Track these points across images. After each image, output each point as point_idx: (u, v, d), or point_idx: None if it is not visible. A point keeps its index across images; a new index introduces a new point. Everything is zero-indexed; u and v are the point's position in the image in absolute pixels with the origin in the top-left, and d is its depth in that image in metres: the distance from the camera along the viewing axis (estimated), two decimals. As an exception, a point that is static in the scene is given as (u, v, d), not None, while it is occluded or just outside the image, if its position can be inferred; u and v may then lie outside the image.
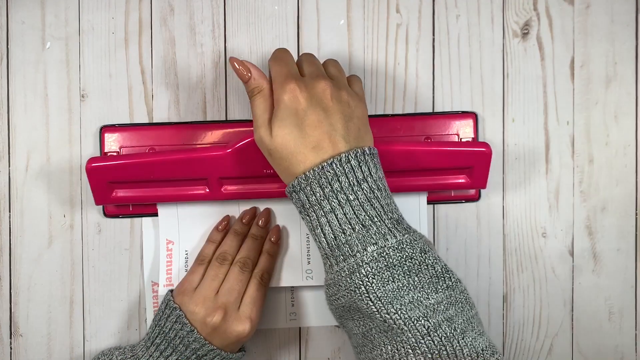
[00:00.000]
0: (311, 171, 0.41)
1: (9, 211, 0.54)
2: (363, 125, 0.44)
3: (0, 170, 0.54)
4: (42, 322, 0.55)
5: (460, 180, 0.52)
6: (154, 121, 0.54)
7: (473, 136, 0.55)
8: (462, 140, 0.55)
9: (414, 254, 0.40)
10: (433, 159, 0.50)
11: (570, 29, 0.56)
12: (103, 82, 0.54)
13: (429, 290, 0.39)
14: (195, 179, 0.50)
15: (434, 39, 0.55)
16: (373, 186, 0.41)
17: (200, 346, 0.48)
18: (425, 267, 0.40)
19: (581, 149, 0.56)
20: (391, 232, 0.40)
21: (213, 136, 0.54)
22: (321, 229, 0.41)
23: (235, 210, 0.54)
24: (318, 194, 0.41)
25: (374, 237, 0.40)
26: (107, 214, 0.54)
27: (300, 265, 0.54)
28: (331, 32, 0.55)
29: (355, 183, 0.41)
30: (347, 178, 0.40)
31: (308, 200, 0.41)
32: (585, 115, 0.56)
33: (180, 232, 0.54)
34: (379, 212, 0.41)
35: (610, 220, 0.56)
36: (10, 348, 0.54)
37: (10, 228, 0.54)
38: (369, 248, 0.39)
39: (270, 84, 0.44)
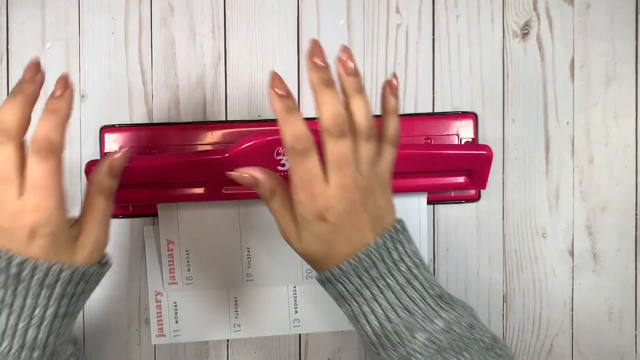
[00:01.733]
0: (346, 263, 0.39)
1: (9, 211, 0.54)
2: (382, 197, 0.40)
3: (1, 171, 0.54)
4: (42, 322, 0.54)
5: (459, 181, 0.52)
6: (154, 121, 0.54)
7: (473, 136, 0.55)
8: (462, 140, 0.55)
9: (462, 333, 0.38)
10: (434, 162, 0.50)
11: (570, 29, 0.56)
12: (103, 82, 0.54)
13: None
14: (194, 181, 0.51)
15: (434, 39, 0.55)
16: (410, 264, 0.39)
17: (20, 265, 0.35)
18: (475, 341, 0.38)
19: (581, 149, 0.56)
20: (437, 312, 0.38)
21: (213, 137, 0.54)
22: (365, 318, 0.39)
23: (235, 210, 0.54)
24: (356, 284, 0.39)
25: (421, 322, 0.38)
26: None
27: (300, 265, 0.54)
28: (331, 32, 0.55)
29: (393, 266, 0.39)
30: (385, 263, 0.39)
31: (346, 289, 0.39)
32: (585, 115, 0.56)
33: (180, 232, 0.54)
34: (420, 293, 0.39)
35: (610, 220, 0.56)
36: (11, 348, 0.54)
37: (10, 228, 0.54)
38: (417, 335, 0.38)
39: (281, 184, 0.41)
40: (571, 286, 0.57)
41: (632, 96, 0.56)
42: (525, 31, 0.56)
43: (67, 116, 0.38)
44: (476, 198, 0.56)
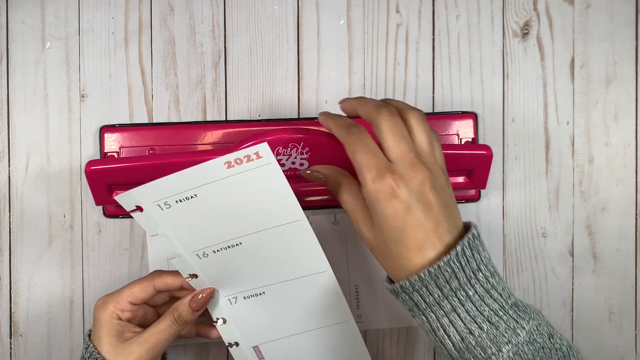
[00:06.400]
0: (426, 272, 0.37)
1: (9, 211, 0.54)
2: (451, 199, 0.40)
3: (0, 170, 0.54)
4: (42, 322, 0.55)
5: (459, 181, 0.52)
6: (154, 121, 0.54)
7: (473, 136, 0.55)
8: (462, 140, 0.55)
9: (544, 343, 0.37)
10: None
11: (570, 29, 0.56)
12: (103, 82, 0.54)
13: None
14: None
15: (434, 39, 0.55)
16: (487, 273, 0.38)
17: None
18: (555, 351, 0.38)
19: (581, 149, 0.56)
20: (518, 323, 0.37)
21: (213, 136, 0.54)
22: (444, 330, 0.37)
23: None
24: (437, 295, 0.37)
25: (505, 334, 0.37)
26: (107, 214, 0.54)
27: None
28: (331, 32, 0.55)
29: (472, 276, 0.37)
30: (464, 272, 0.37)
31: (424, 301, 0.38)
32: (585, 115, 0.56)
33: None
34: (500, 304, 0.38)
35: (610, 220, 0.56)
36: (10, 348, 0.54)
37: (10, 228, 0.54)
38: (503, 348, 0.36)
39: (345, 174, 0.42)
40: (571, 286, 0.57)
41: (632, 96, 0.56)
42: (525, 31, 0.56)
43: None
44: (476, 198, 0.56)
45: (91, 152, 0.54)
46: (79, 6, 0.54)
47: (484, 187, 0.53)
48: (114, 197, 0.42)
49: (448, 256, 0.37)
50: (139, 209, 0.42)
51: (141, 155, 0.53)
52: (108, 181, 0.49)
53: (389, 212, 0.37)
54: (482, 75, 0.55)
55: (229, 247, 0.45)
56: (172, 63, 0.54)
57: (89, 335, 0.47)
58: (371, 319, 0.55)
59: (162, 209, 0.42)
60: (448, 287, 0.37)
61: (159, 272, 0.47)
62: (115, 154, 0.53)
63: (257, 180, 0.41)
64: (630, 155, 0.56)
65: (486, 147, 0.50)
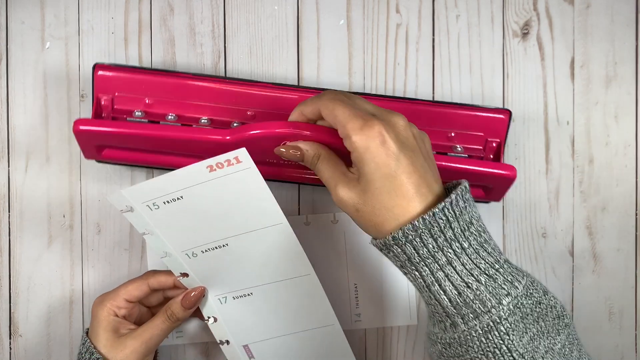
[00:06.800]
0: (420, 220, 0.35)
1: (9, 211, 0.54)
2: (430, 150, 0.40)
3: (0, 170, 0.54)
4: (42, 322, 0.54)
5: (474, 194, 0.48)
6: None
7: (501, 140, 0.50)
8: (489, 142, 0.50)
9: (540, 298, 0.36)
10: (452, 176, 0.44)
11: (570, 29, 0.56)
12: (103, 82, 0.54)
13: (554, 334, 0.36)
14: (191, 155, 0.49)
15: (434, 39, 0.55)
16: (479, 228, 0.37)
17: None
18: (550, 309, 0.37)
19: (581, 149, 0.56)
20: (515, 277, 0.36)
21: (212, 95, 0.50)
22: (439, 285, 0.36)
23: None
24: (431, 246, 0.35)
25: (504, 287, 0.35)
26: (100, 160, 0.52)
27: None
28: (331, 32, 0.55)
29: (466, 228, 0.36)
30: (459, 223, 0.36)
31: (417, 253, 0.36)
32: (585, 115, 0.56)
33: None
34: (495, 257, 0.36)
35: (610, 220, 0.56)
36: (10, 348, 0.54)
37: (10, 228, 0.54)
38: (503, 301, 0.35)
39: (322, 146, 0.41)
40: (571, 286, 0.57)
41: (632, 96, 0.56)
42: (525, 31, 0.56)
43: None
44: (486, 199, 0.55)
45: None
46: (78, 6, 0.54)
47: (498, 200, 0.52)
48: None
49: (443, 204, 0.35)
50: (130, 209, 0.44)
51: (136, 103, 0.50)
52: (97, 142, 0.48)
53: (382, 159, 0.36)
54: (482, 75, 0.55)
55: (215, 247, 0.46)
56: (172, 63, 0.54)
57: (87, 333, 0.48)
58: (370, 318, 0.55)
59: (151, 210, 0.44)
60: (442, 237, 0.35)
61: (153, 272, 0.49)
62: (109, 100, 0.49)
63: (238, 183, 0.42)
64: (630, 155, 0.56)
65: (511, 168, 0.46)
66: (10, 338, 0.54)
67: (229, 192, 0.43)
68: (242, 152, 0.40)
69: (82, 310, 0.55)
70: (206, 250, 0.46)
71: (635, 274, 0.57)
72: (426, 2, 0.55)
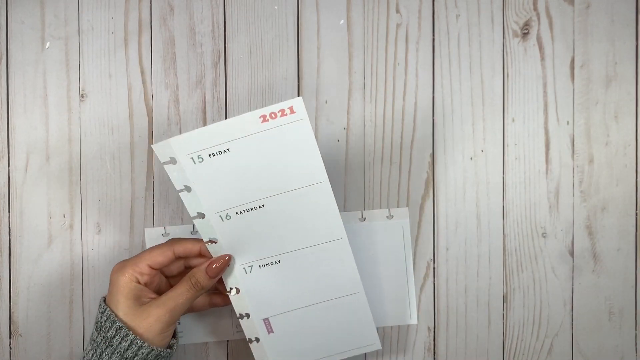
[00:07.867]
0: None
1: (9, 211, 0.54)
2: None
3: (0, 170, 0.54)
4: (42, 322, 0.55)
5: None
6: (153, 119, 0.54)
7: None
8: None
9: None
10: None
11: (570, 29, 0.56)
12: (103, 82, 0.54)
13: None
14: None
15: (434, 39, 0.55)
16: None
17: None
18: None
19: (581, 149, 0.56)
20: None
21: None
22: None
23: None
24: None
25: None
26: None
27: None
28: (331, 32, 0.55)
29: None
30: None
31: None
32: (585, 115, 0.56)
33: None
34: None
35: (610, 220, 0.56)
36: (10, 348, 0.54)
37: (10, 228, 0.54)
38: None
39: None
40: (571, 286, 0.57)
41: (632, 96, 0.56)
42: (525, 31, 0.56)
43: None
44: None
45: (92, 152, 0.54)
46: (78, 6, 0.54)
47: None
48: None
49: None
50: (173, 161, 0.43)
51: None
52: None
53: None
54: (482, 75, 0.55)
55: (251, 209, 0.46)
56: (171, 63, 0.54)
57: (104, 300, 0.47)
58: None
59: (194, 163, 0.43)
60: None
61: (178, 239, 0.48)
62: None
63: (288, 136, 0.42)
64: (630, 155, 0.56)
65: None
66: (10, 338, 0.54)
67: (277, 146, 0.42)
68: (298, 102, 0.40)
69: (82, 310, 0.55)
70: (241, 212, 0.45)
71: (635, 274, 0.57)
72: (426, 2, 0.55)
